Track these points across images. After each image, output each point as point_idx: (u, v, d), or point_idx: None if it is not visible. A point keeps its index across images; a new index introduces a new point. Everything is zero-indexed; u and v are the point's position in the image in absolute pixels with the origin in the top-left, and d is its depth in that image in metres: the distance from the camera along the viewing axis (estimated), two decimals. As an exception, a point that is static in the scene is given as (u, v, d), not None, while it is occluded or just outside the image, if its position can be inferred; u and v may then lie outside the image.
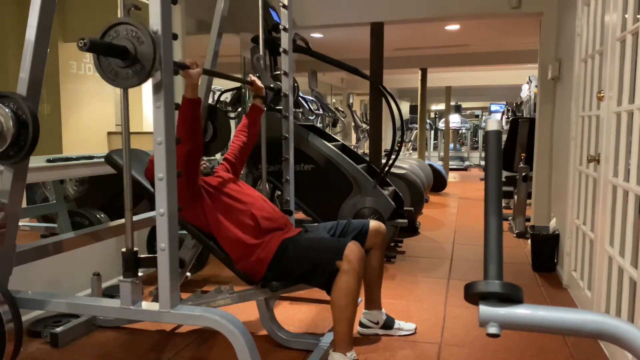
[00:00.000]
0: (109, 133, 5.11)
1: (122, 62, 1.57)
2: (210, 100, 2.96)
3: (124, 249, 1.72)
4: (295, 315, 2.80)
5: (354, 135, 11.23)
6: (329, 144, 3.66)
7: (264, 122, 2.62)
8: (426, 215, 5.77)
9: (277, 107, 2.70)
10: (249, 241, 2.11)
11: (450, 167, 11.15)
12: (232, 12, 2.88)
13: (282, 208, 2.57)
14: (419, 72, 8.88)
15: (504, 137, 5.36)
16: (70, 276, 2.86)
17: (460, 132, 16.34)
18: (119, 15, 1.70)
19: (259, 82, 2.47)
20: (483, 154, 12.33)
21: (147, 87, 1.62)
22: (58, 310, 1.95)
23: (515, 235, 4.72)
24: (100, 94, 5.08)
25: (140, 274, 1.75)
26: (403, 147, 9.40)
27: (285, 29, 2.69)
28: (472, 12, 4.49)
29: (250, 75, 2.49)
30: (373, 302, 2.50)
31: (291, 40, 2.74)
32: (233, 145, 2.50)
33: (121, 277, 1.72)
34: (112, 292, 2.75)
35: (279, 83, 2.67)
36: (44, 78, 1.79)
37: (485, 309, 0.75)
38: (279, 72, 2.73)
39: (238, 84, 5.13)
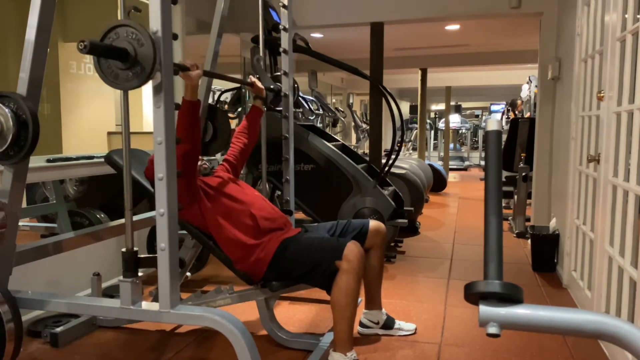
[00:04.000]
0: (109, 133, 5.10)
1: (122, 64, 1.57)
2: (210, 100, 2.96)
3: (124, 249, 1.73)
4: (295, 315, 2.80)
5: (354, 135, 11.23)
6: (329, 144, 3.66)
7: (264, 122, 2.62)
8: (426, 215, 5.77)
9: (277, 109, 2.70)
10: (249, 242, 2.11)
11: (450, 167, 11.14)
12: (232, 12, 2.88)
13: (282, 208, 2.57)
14: (419, 72, 8.88)
15: (504, 137, 5.36)
16: (70, 276, 2.86)
17: (460, 132, 16.33)
18: (119, 16, 1.70)
19: (259, 84, 2.47)
20: (483, 154, 12.32)
21: (147, 87, 1.62)
22: (58, 310, 1.95)
23: (515, 235, 4.72)
24: (100, 94, 5.07)
25: (140, 274, 1.75)
26: (403, 147, 9.40)
27: (285, 29, 2.69)
28: (472, 12, 4.49)
29: (251, 76, 2.49)
30: (373, 302, 2.50)
31: (291, 40, 2.74)
32: (233, 147, 2.50)
33: (121, 277, 1.72)
34: (112, 292, 2.75)
35: (279, 84, 2.67)
36: (44, 78, 1.79)
37: (485, 309, 0.75)
38: (279, 74, 2.72)
39: (238, 84, 5.13)
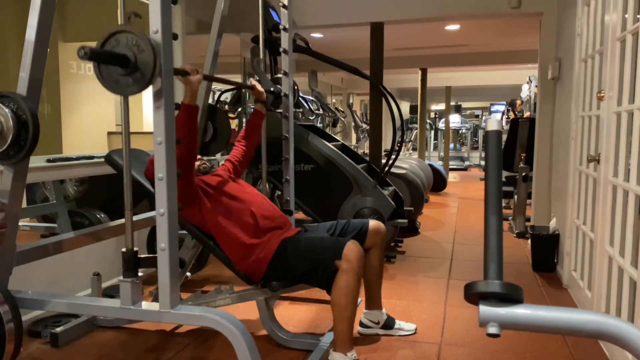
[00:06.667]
0: (109, 133, 5.10)
1: (122, 70, 1.57)
2: (210, 100, 2.97)
3: (124, 249, 1.73)
4: (295, 315, 2.80)
5: (354, 135, 11.23)
6: (329, 144, 3.66)
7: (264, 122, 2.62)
8: (426, 215, 5.77)
9: (278, 111, 2.71)
10: (248, 241, 2.11)
11: (450, 167, 11.14)
12: (232, 12, 2.88)
13: (282, 208, 2.57)
14: (419, 72, 8.88)
15: (504, 137, 5.36)
16: (70, 276, 2.86)
17: (460, 132, 16.33)
18: (118, 16, 1.70)
19: (259, 87, 2.46)
20: (483, 154, 12.32)
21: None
22: (58, 310, 1.95)
23: (515, 235, 4.72)
24: (100, 93, 5.07)
25: (140, 274, 1.75)
26: (403, 147, 9.40)
27: (285, 29, 2.69)
28: (472, 12, 4.49)
29: (251, 79, 2.49)
30: (373, 302, 2.50)
31: (291, 40, 2.74)
32: (236, 149, 2.51)
33: (121, 277, 1.72)
34: (112, 292, 2.75)
35: (279, 86, 2.66)
36: (44, 78, 1.79)
37: (485, 309, 0.75)
38: (279, 76, 2.72)
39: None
